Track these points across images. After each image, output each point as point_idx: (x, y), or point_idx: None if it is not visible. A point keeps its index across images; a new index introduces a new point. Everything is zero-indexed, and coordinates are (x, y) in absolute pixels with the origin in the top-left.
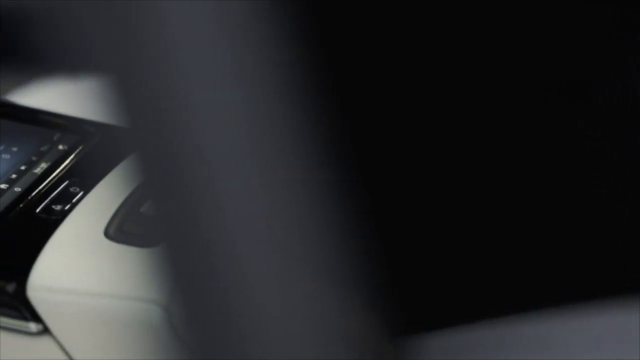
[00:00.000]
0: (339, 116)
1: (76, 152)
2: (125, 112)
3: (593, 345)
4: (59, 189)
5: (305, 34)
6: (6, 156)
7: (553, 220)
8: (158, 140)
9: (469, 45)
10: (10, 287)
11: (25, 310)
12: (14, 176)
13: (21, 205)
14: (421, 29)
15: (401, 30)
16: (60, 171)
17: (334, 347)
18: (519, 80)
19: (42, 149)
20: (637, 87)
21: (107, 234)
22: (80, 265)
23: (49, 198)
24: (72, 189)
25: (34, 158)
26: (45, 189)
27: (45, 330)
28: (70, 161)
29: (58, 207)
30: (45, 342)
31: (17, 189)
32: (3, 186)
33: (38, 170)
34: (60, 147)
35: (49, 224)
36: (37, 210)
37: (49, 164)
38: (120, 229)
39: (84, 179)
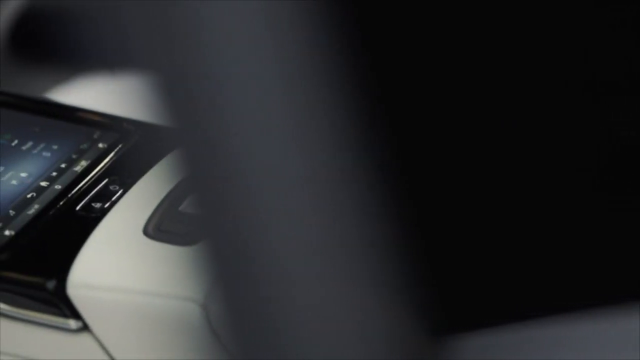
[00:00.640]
0: (383, 117)
1: (116, 150)
2: (169, 110)
3: (630, 347)
4: (98, 187)
5: (350, 36)
6: (47, 154)
7: (593, 221)
8: (201, 138)
9: (506, 48)
10: (51, 284)
11: (64, 307)
12: (54, 174)
13: (61, 203)
14: (465, 32)
15: (445, 35)
16: (100, 169)
17: (375, 347)
18: (553, 80)
19: (82, 147)
20: None
21: (145, 232)
22: (119, 263)
23: (89, 196)
24: (111, 187)
25: (74, 156)
26: (85, 186)
27: (84, 327)
28: (110, 159)
29: (98, 205)
30: (84, 338)
31: (58, 187)
32: (43, 184)
33: (78, 168)
34: (100, 145)
35: (89, 221)
36: (77, 208)
37: (89, 162)
38: (159, 227)
39: (124, 177)
